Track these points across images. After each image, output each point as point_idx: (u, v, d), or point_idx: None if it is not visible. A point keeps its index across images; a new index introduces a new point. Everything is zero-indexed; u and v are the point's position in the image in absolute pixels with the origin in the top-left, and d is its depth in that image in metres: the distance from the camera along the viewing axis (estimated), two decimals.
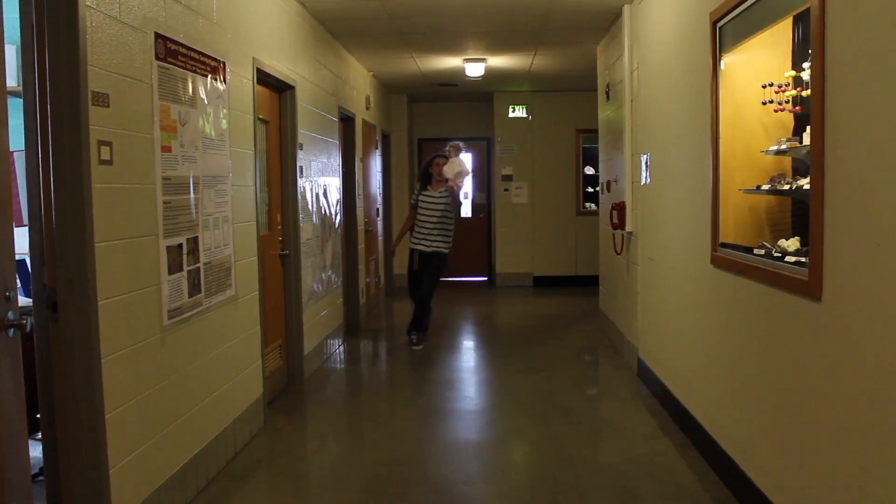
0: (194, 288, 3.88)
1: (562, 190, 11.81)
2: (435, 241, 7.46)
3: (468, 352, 7.88)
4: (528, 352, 7.46)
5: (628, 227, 6.55)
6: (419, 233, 7.50)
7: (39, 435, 3.05)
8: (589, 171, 11.70)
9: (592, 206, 11.54)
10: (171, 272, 3.62)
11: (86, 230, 2.93)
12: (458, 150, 7.47)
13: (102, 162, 3.06)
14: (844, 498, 2.65)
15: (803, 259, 3.05)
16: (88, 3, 2.96)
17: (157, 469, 3.51)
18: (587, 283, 10.90)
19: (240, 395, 4.61)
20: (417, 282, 7.56)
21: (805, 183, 3.15)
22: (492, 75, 10.00)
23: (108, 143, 3.10)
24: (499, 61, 9.22)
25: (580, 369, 7.08)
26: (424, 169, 7.66)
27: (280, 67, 5.60)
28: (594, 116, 8.79)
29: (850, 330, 2.59)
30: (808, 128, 2.95)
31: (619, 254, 7.06)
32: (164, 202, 3.57)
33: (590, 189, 11.71)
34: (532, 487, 4.07)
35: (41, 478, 3.13)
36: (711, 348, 4.20)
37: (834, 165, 2.69)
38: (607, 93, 7.80)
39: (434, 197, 7.48)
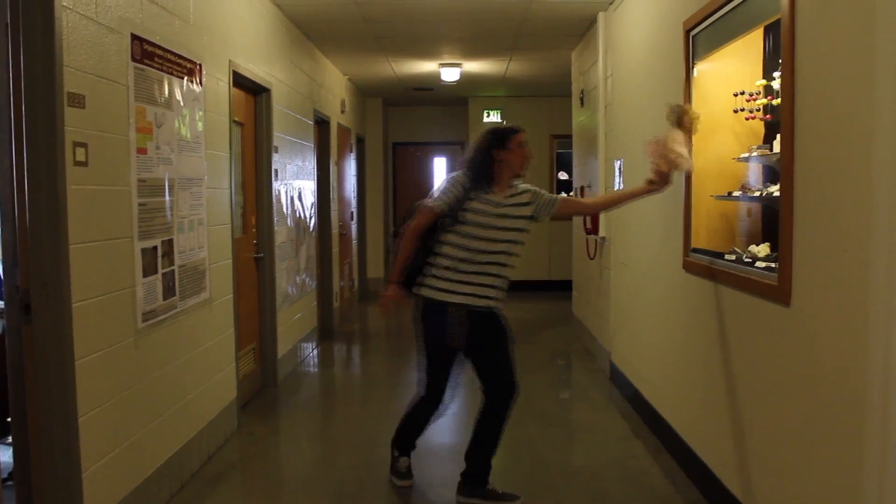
0: (169, 290, 3.86)
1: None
2: (491, 288, 3.82)
3: None
4: None
5: (601, 233, 6.60)
6: (460, 272, 3.76)
7: (10, 439, 3.02)
8: (563, 176, 11.76)
9: None
10: (145, 275, 3.60)
11: (60, 232, 2.91)
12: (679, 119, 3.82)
13: (77, 163, 3.04)
14: (811, 498, 2.70)
15: (773, 265, 3.10)
16: (64, 4, 2.95)
17: (130, 473, 3.49)
18: (560, 288, 10.95)
19: (214, 399, 4.59)
20: (450, 375, 3.98)
21: (775, 190, 3.20)
22: (467, 80, 10.04)
23: (84, 145, 3.08)
24: (474, 66, 9.26)
25: (553, 373, 7.12)
26: (487, 153, 3.83)
27: (256, 70, 5.59)
28: (568, 122, 8.85)
29: (818, 334, 2.64)
30: (779, 136, 3.00)
31: (592, 259, 7.11)
32: (140, 204, 3.56)
33: (563, 194, 11.76)
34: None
35: (11, 482, 3.11)
36: (683, 352, 4.25)
37: (803, 172, 2.74)
38: (581, 99, 7.86)
39: (504, 207, 3.80)
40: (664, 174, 3.69)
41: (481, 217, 3.74)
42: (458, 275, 3.76)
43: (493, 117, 12.01)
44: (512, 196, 3.83)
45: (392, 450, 4.21)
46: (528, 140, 3.89)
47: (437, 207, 3.79)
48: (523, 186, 3.91)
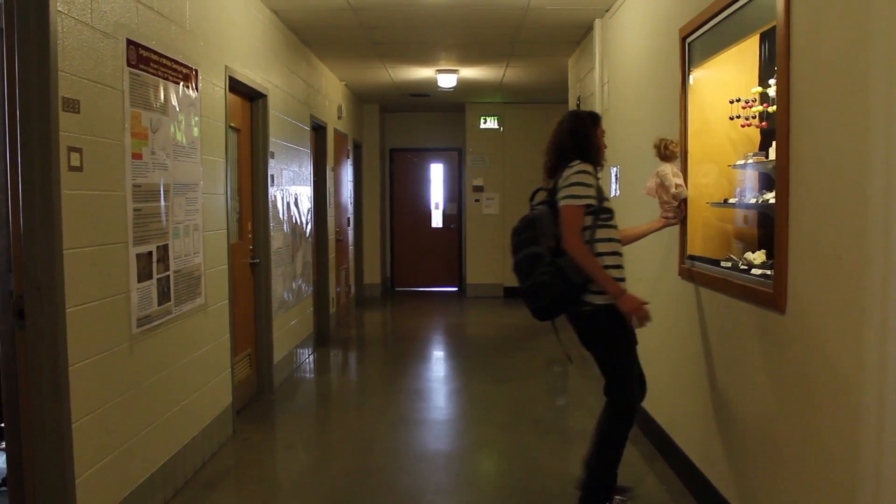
0: (164, 296, 3.85)
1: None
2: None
3: (438, 362, 7.89)
4: (498, 362, 7.48)
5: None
6: (620, 267, 3.66)
7: (3, 444, 3.01)
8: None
9: None
10: (140, 280, 3.59)
11: (54, 237, 2.91)
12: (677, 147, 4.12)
13: (72, 168, 3.03)
14: None
15: (769, 272, 3.10)
16: (60, 8, 2.95)
17: (124, 479, 3.48)
18: None
19: (209, 405, 4.58)
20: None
21: (771, 197, 3.20)
22: (464, 86, 10.05)
23: (79, 150, 3.08)
24: (471, 72, 9.27)
25: (550, 380, 7.11)
26: (591, 134, 3.74)
27: (252, 76, 5.59)
28: None
29: (813, 341, 2.63)
30: (774, 143, 3.00)
31: None
32: (135, 209, 3.55)
33: None
34: (501, 498, 4.09)
35: (4, 488, 3.09)
36: (678, 359, 4.24)
37: (798, 180, 2.74)
38: (578, 105, 7.86)
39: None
40: (678, 209, 3.99)
41: (609, 204, 3.65)
42: (620, 271, 3.59)
43: (489, 124, 12.02)
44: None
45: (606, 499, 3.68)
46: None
47: (589, 202, 3.50)
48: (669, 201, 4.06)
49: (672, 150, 4.06)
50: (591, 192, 3.51)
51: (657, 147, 4.11)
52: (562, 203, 3.49)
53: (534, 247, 3.54)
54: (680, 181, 3.99)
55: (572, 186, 3.49)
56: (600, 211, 3.54)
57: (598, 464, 3.64)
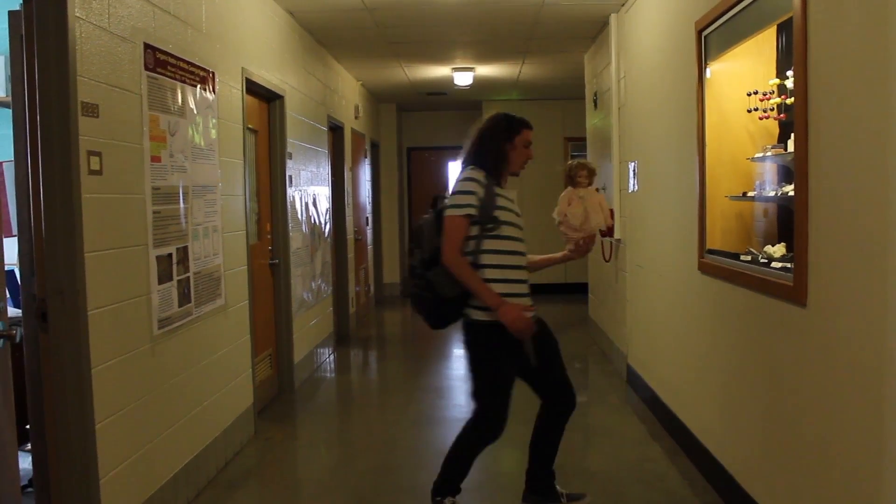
0: (184, 297, 3.88)
1: (550, 198, 11.78)
2: (530, 294, 3.59)
3: (458, 360, 7.88)
4: None
5: (616, 235, 6.58)
6: (511, 281, 3.45)
7: (29, 446, 3.04)
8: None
9: None
10: (160, 282, 3.62)
11: (75, 240, 2.93)
12: (591, 175, 3.95)
13: (92, 172, 3.06)
14: (830, 500, 2.67)
15: (789, 265, 3.07)
16: (78, 14, 2.97)
17: (147, 479, 3.51)
18: (576, 291, 10.91)
19: (230, 405, 4.61)
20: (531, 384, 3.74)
21: (790, 189, 3.18)
22: (480, 84, 10.04)
23: (98, 154, 3.11)
24: (487, 70, 9.26)
25: (570, 376, 7.08)
26: (499, 145, 3.53)
27: (269, 77, 5.61)
28: (582, 124, 8.83)
29: (835, 334, 2.61)
30: (793, 135, 2.98)
31: (607, 261, 7.09)
32: (154, 212, 3.58)
33: None
34: (521, 494, 4.08)
35: (31, 489, 3.13)
36: (699, 354, 4.22)
37: (818, 172, 2.72)
38: (595, 101, 7.84)
39: (513, 203, 3.55)
40: (583, 244, 3.77)
41: (510, 215, 3.42)
42: (510, 286, 3.40)
43: None
44: (510, 195, 3.57)
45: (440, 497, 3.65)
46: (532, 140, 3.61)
47: (469, 212, 3.33)
48: (574, 234, 3.79)
49: (579, 181, 3.87)
50: (472, 200, 3.33)
51: (567, 174, 3.93)
52: (445, 213, 3.37)
53: (412, 257, 3.51)
54: (592, 214, 3.77)
55: (455, 195, 3.38)
56: (487, 221, 3.35)
57: (448, 457, 3.65)
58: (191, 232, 3.98)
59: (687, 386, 4.51)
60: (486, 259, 3.36)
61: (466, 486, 3.75)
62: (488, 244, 3.37)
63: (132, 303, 3.38)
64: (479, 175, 3.40)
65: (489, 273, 3.35)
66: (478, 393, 3.54)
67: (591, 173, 3.88)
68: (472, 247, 3.35)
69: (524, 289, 3.48)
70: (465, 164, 3.49)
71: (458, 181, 3.43)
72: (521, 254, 3.47)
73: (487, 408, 3.54)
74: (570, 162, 3.97)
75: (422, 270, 3.41)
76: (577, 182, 3.86)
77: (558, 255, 3.83)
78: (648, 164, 5.47)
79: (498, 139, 3.51)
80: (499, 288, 3.34)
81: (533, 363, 3.48)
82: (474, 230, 3.36)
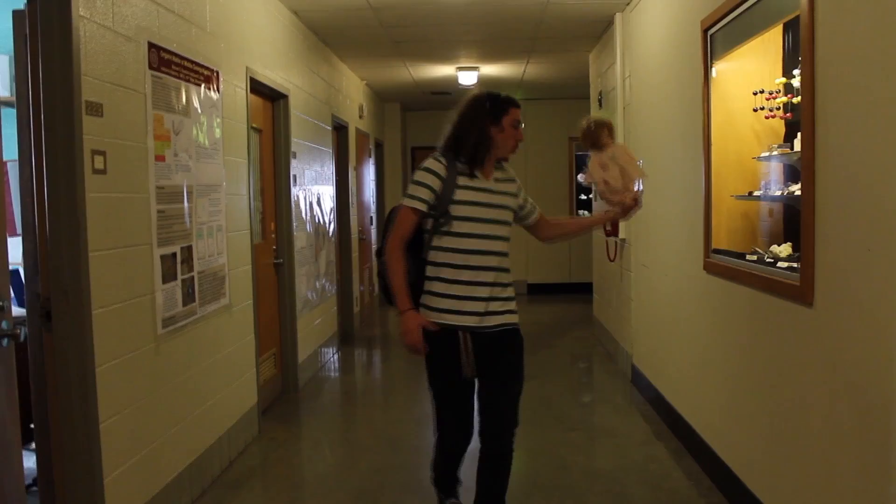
0: (188, 297, 3.88)
1: (555, 197, 11.80)
2: (499, 298, 3.18)
3: None
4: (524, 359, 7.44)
5: (621, 234, 6.56)
6: (465, 283, 3.11)
7: (33, 445, 3.04)
8: (582, 178, 11.70)
9: (586, 213, 11.56)
10: (165, 281, 3.62)
11: (79, 239, 2.93)
12: (612, 131, 3.64)
13: (96, 171, 3.06)
14: (836, 501, 2.66)
15: (795, 265, 3.06)
16: (82, 13, 2.97)
17: (151, 478, 3.51)
18: (581, 291, 10.90)
19: (234, 404, 4.60)
20: (469, 408, 3.33)
21: (796, 189, 3.16)
22: (484, 83, 10.01)
23: (102, 153, 3.10)
24: (492, 69, 9.24)
25: (574, 376, 7.09)
26: (479, 128, 3.14)
27: (273, 76, 5.61)
28: None
29: (842, 335, 2.60)
30: (799, 134, 2.97)
31: (612, 261, 7.07)
32: (158, 211, 3.57)
33: (583, 196, 11.73)
34: (526, 494, 4.07)
35: (35, 488, 3.13)
36: (705, 354, 4.21)
37: (825, 171, 2.71)
38: (600, 100, 7.83)
39: (495, 194, 3.19)
40: (632, 203, 3.42)
41: (476, 208, 3.09)
42: (463, 288, 3.08)
43: None
44: (499, 181, 3.22)
45: (436, 492, 3.57)
46: (522, 119, 3.26)
47: (416, 206, 3.08)
48: (511, 171, 3.33)
49: (604, 142, 3.55)
50: (423, 193, 3.06)
51: (587, 136, 3.59)
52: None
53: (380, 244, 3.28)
54: (627, 168, 3.47)
55: (410, 184, 3.13)
56: (439, 215, 3.06)
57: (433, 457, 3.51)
58: (195, 231, 3.97)
59: (692, 386, 4.49)
60: (434, 256, 3.11)
61: (467, 484, 3.74)
62: (439, 240, 3.10)
63: (136, 302, 3.37)
64: (439, 164, 3.09)
65: (432, 272, 3.11)
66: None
67: (610, 128, 3.58)
68: (426, 242, 3.13)
69: (482, 292, 3.09)
70: (440, 151, 3.18)
71: (417, 169, 3.16)
72: (490, 253, 3.12)
73: (436, 416, 3.38)
74: (584, 123, 3.57)
75: (378, 258, 3.27)
76: (603, 143, 3.52)
77: (599, 215, 3.58)
78: (653, 163, 5.45)
79: (482, 122, 3.12)
80: (437, 291, 3.10)
81: (465, 375, 3.14)
82: (430, 223, 3.12)
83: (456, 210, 3.06)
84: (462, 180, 3.10)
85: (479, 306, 3.10)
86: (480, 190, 3.12)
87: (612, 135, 3.56)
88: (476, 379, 3.20)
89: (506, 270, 3.20)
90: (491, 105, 3.15)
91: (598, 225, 3.71)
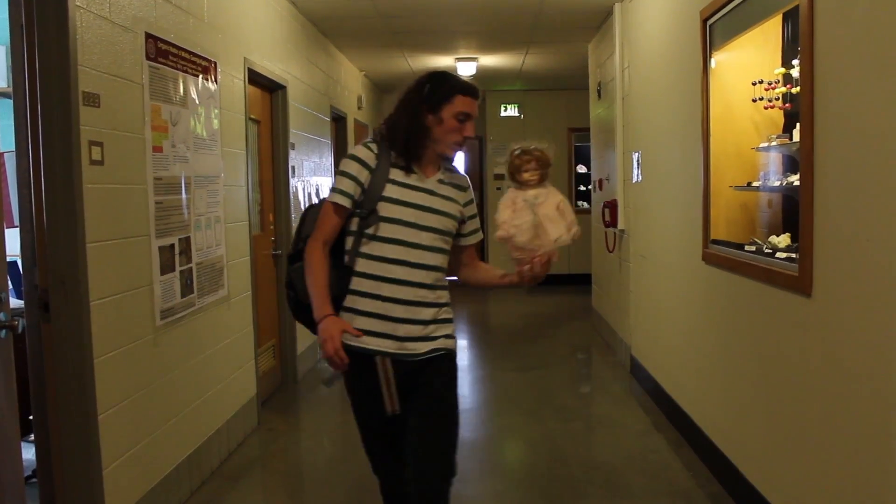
0: (187, 288, 3.87)
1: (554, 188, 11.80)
2: (425, 321, 2.59)
3: (462, 350, 7.89)
4: (522, 350, 7.46)
5: (620, 225, 6.56)
6: (387, 300, 2.54)
7: (32, 437, 3.04)
8: (581, 169, 11.70)
9: (585, 204, 11.53)
10: (163, 272, 3.61)
11: (77, 231, 2.92)
12: (542, 166, 2.63)
13: (93, 162, 3.05)
14: (835, 492, 2.67)
15: (794, 255, 3.06)
16: (78, 3, 2.96)
17: (150, 470, 3.51)
18: (580, 282, 10.90)
19: (233, 395, 4.61)
20: (400, 450, 2.67)
21: (795, 179, 3.16)
22: (483, 74, 10.00)
23: (99, 144, 3.09)
24: (490, 60, 9.22)
25: (573, 367, 7.09)
26: (414, 114, 2.58)
27: (271, 67, 5.59)
28: (586, 115, 8.81)
29: (840, 325, 2.60)
30: (798, 124, 2.96)
31: (611, 252, 7.07)
32: (156, 202, 3.57)
33: (582, 187, 11.72)
34: (526, 485, 4.08)
35: (34, 479, 3.13)
36: (703, 345, 4.21)
37: (823, 161, 2.70)
38: (599, 91, 7.81)
39: (435, 196, 2.61)
40: (532, 269, 2.57)
41: (408, 210, 2.52)
42: (383, 305, 2.51)
43: (510, 111, 11.97)
44: (443, 184, 2.62)
45: None
46: (476, 113, 2.60)
47: (338, 201, 2.53)
48: (465, 179, 2.74)
49: (524, 176, 2.59)
50: (346, 185, 2.52)
51: (512, 164, 2.63)
52: None
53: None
54: (556, 224, 2.56)
55: (335, 176, 2.61)
56: (363, 214, 2.51)
57: None
58: (193, 222, 3.97)
59: (690, 377, 4.50)
60: (358, 264, 2.53)
61: (467, 476, 3.75)
62: (363, 245, 2.52)
63: (134, 293, 3.37)
64: (368, 152, 2.56)
65: (353, 283, 2.53)
66: None
67: (543, 163, 2.60)
68: (349, 245, 2.56)
69: (406, 312, 2.52)
70: (373, 137, 2.67)
71: (343, 157, 2.64)
72: (420, 266, 2.52)
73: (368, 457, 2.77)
74: (511, 148, 2.65)
75: (289, 265, 2.68)
76: (523, 178, 2.59)
77: (499, 274, 2.77)
78: (652, 154, 5.45)
79: (417, 108, 2.55)
80: (359, 304, 2.52)
81: (387, 410, 2.54)
82: (355, 223, 2.55)
83: (384, 209, 2.50)
84: (395, 174, 2.54)
85: (399, 328, 2.52)
86: (417, 189, 2.55)
87: (541, 170, 2.60)
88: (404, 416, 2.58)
89: (442, 288, 2.61)
90: (431, 89, 2.56)
91: (498, 285, 2.78)
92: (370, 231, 2.51)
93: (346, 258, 2.56)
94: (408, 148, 2.56)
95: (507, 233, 2.57)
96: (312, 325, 2.59)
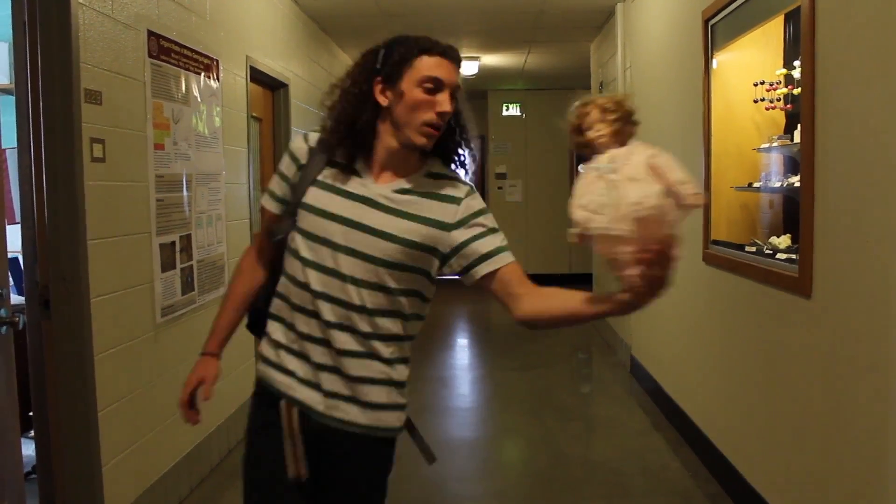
0: (187, 285, 3.88)
1: (556, 188, 11.81)
2: (353, 377, 1.86)
3: (462, 349, 7.90)
4: (522, 349, 7.47)
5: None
6: (293, 331, 1.91)
7: (32, 433, 3.05)
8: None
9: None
10: (164, 270, 3.62)
11: (78, 228, 2.93)
12: (621, 117, 1.84)
13: (95, 159, 3.06)
14: (835, 493, 2.67)
15: (794, 256, 3.06)
16: (81, 1, 2.96)
17: (150, 467, 3.51)
18: (581, 281, 10.89)
19: (234, 393, 4.61)
20: None
21: (796, 180, 3.16)
22: (486, 73, 10.01)
23: (101, 141, 3.10)
24: (493, 59, 9.23)
25: (574, 366, 7.10)
26: (361, 88, 1.87)
27: (273, 65, 5.59)
28: None
29: (840, 326, 2.60)
30: (799, 125, 2.96)
31: None
32: (157, 200, 3.57)
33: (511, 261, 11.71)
34: (526, 484, 4.09)
35: (34, 476, 3.14)
36: (703, 345, 4.21)
37: (824, 163, 2.70)
38: (601, 91, 7.81)
39: (380, 210, 1.85)
40: (644, 270, 1.66)
41: (327, 224, 1.85)
42: (296, 340, 1.91)
43: (512, 110, 11.97)
44: (405, 193, 1.87)
45: None
46: (454, 81, 1.91)
47: (265, 205, 2.01)
48: (460, 185, 1.95)
49: (594, 135, 1.82)
50: (275, 184, 1.98)
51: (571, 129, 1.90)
52: None
53: None
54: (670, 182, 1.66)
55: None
56: (292, 223, 1.91)
57: None
58: (194, 220, 3.97)
59: (690, 377, 4.50)
60: (280, 282, 1.97)
61: (466, 475, 3.76)
62: (286, 260, 1.95)
63: (135, 291, 3.38)
64: (302, 144, 1.96)
65: (275, 306, 1.99)
66: None
67: (613, 112, 1.86)
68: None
69: (332, 360, 1.86)
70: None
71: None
72: (342, 304, 1.83)
73: None
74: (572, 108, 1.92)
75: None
76: (588, 139, 1.84)
77: (584, 297, 1.80)
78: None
79: (366, 83, 1.86)
80: (280, 336, 1.96)
81: (290, 473, 1.91)
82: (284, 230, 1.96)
83: (301, 219, 1.89)
84: (326, 175, 1.89)
85: (311, 374, 1.89)
86: (348, 196, 1.86)
87: (611, 124, 1.84)
88: (310, 486, 1.94)
89: (381, 339, 1.86)
90: (386, 55, 1.85)
91: (594, 315, 1.81)
92: (290, 244, 1.93)
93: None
94: (348, 139, 1.86)
95: (577, 220, 1.65)
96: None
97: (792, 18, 3.51)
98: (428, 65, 1.84)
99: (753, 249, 3.56)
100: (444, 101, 1.85)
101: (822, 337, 2.73)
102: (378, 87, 1.85)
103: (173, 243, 3.72)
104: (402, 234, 1.83)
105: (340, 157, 1.89)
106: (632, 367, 6.16)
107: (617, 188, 1.62)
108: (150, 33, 3.53)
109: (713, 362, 4.05)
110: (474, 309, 10.14)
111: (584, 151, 1.81)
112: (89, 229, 2.99)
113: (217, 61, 4.35)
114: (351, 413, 1.88)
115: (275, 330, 1.97)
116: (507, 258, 1.87)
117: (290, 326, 1.92)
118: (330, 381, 1.88)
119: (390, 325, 1.87)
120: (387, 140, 1.86)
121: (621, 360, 6.59)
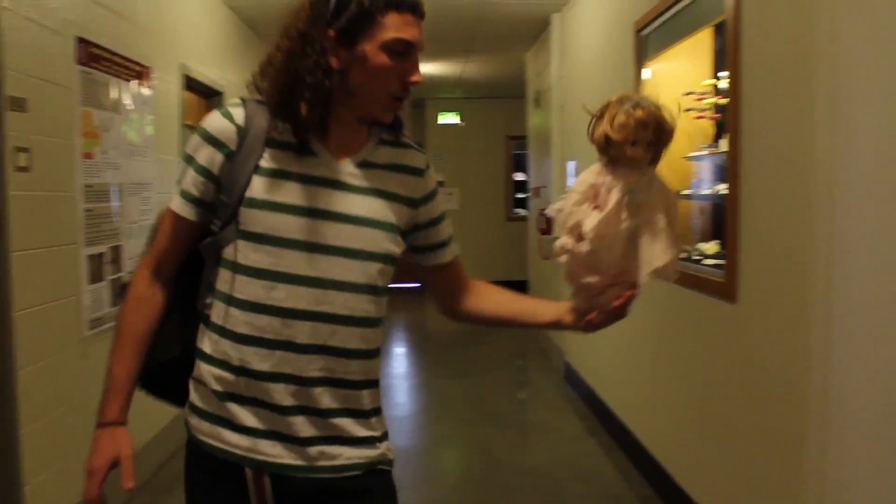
0: (117, 297, 3.79)
1: (492, 195, 11.90)
2: (332, 412, 1.50)
3: (398, 358, 7.88)
4: (458, 357, 7.49)
5: (556, 233, 6.62)
6: (246, 371, 1.48)
7: None
8: (519, 176, 11.82)
9: (522, 211, 11.67)
10: (92, 281, 3.54)
11: (2, 239, 2.84)
12: (661, 139, 1.66)
13: (19, 169, 2.97)
14: (760, 492, 2.73)
15: (721, 262, 3.14)
16: (5, 5, 2.88)
17: (78, 484, 3.41)
18: (517, 288, 10.92)
19: (165, 407, 4.51)
20: None
21: (724, 188, 3.24)
22: (424, 82, 10.01)
23: (26, 150, 3.01)
24: (430, 68, 9.25)
25: (509, 374, 7.14)
26: (306, 44, 1.49)
27: (208, 73, 5.52)
28: (524, 123, 8.90)
29: (763, 330, 2.67)
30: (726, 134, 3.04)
31: (546, 259, 7.14)
32: (86, 210, 3.49)
33: (520, 195, 11.83)
34: (461, 492, 4.10)
35: None
36: (636, 350, 4.28)
37: (749, 171, 2.78)
38: (536, 100, 7.90)
39: (348, 190, 1.50)
40: (606, 308, 1.72)
41: (290, 220, 1.47)
42: (261, 385, 1.49)
43: (449, 119, 12.02)
44: (370, 167, 1.56)
45: None
46: (422, 43, 1.60)
47: (177, 210, 1.60)
48: (420, 155, 1.68)
49: (630, 151, 1.64)
50: (190, 182, 1.55)
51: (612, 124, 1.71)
52: None
53: None
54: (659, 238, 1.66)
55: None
56: (222, 227, 1.52)
57: None
58: (124, 231, 3.89)
59: (622, 382, 4.57)
60: (210, 309, 1.55)
61: (402, 484, 3.74)
62: (216, 278, 1.54)
63: (61, 303, 3.29)
64: (225, 122, 1.52)
65: (210, 344, 1.55)
66: None
67: (663, 134, 1.70)
68: (205, 277, 1.57)
69: (305, 398, 1.49)
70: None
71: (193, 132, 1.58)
72: (318, 317, 1.47)
73: None
74: (612, 99, 1.71)
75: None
76: (629, 154, 1.68)
77: (531, 306, 1.83)
78: (588, 162, 5.50)
79: (315, 38, 1.51)
80: (223, 383, 1.53)
81: None
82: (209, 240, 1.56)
83: (247, 220, 1.47)
84: (272, 157, 1.50)
85: (275, 423, 1.50)
86: (311, 182, 1.49)
87: (656, 147, 1.71)
88: None
89: (366, 355, 1.54)
90: (340, 4, 1.49)
91: (536, 325, 1.82)
92: (229, 256, 1.50)
93: (200, 300, 1.57)
94: (298, 111, 1.47)
95: (575, 237, 1.61)
96: (169, 394, 1.78)
97: (721, 30, 3.60)
98: (396, 23, 1.49)
99: (684, 255, 3.64)
100: (414, 68, 1.53)
101: (746, 341, 2.80)
102: (332, 47, 1.46)
103: (101, 255, 3.64)
104: (384, 217, 1.53)
105: (286, 133, 1.49)
106: (566, 373, 6.23)
107: (638, 235, 1.60)
108: (80, 40, 3.46)
109: (645, 367, 4.12)
110: (409, 317, 10.13)
111: (610, 154, 1.70)
112: (13, 240, 2.90)
113: (149, 69, 4.27)
114: (345, 454, 1.52)
115: (209, 376, 1.53)
116: (456, 248, 1.74)
117: (237, 368, 1.49)
118: (303, 425, 1.48)
119: (374, 337, 1.55)
120: (339, 110, 1.50)
121: (556, 365, 6.66)
